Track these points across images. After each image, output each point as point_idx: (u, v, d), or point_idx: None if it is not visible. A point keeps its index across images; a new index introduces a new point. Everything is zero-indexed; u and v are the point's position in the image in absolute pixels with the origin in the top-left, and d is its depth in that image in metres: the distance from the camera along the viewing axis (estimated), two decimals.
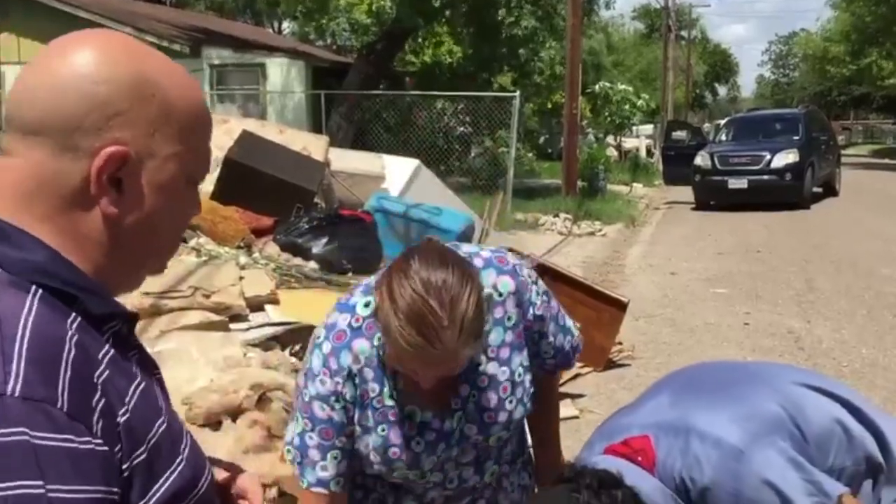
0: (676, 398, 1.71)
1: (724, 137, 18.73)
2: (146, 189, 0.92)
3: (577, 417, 4.58)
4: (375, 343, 1.59)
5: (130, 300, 3.23)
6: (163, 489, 0.89)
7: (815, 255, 10.14)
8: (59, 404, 0.80)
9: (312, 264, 5.33)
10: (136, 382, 0.92)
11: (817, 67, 46.04)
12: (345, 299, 1.67)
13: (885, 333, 6.42)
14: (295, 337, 4.28)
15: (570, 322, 1.82)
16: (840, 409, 1.75)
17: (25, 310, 0.83)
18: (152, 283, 3.86)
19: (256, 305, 4.36)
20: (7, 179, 0.89)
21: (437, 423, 1.66)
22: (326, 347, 1.61)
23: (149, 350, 1.06)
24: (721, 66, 67.60)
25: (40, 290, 0.86)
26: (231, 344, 3.88)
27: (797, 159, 15.88)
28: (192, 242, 5.15)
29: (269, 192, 6.36)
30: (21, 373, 0.79)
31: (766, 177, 15.92)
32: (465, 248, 1.68)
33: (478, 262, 1.65)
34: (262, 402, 3.15)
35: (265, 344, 4.11)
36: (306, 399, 1.64)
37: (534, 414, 1.78)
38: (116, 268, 0.94)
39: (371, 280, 1.66)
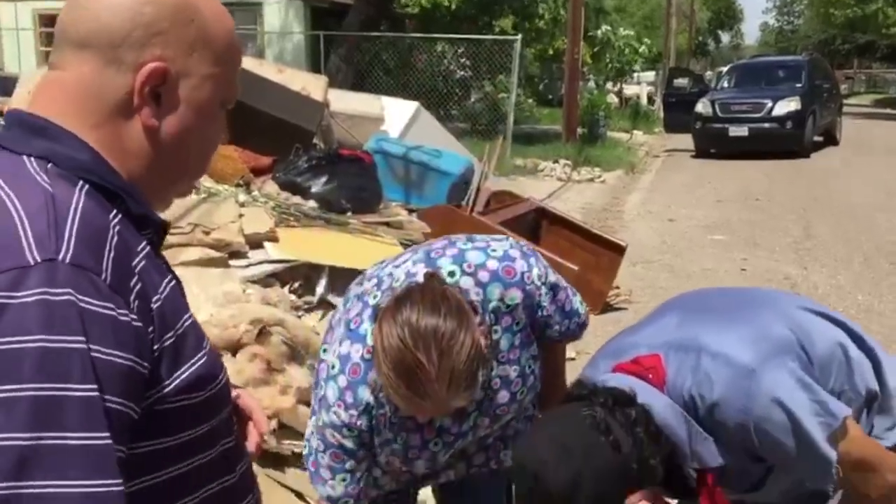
0: (684, 319, 1.71)
1: (725, 84, 18.56)
2: (183, 105, 1.00)
3: (573, 359, 4.60)
4: None
5: None
6: (186, 373, 0.97)
7: (814, 204, 10.14)
8: (103, 276, 0.88)
9: (311, 203, 5.31)
10: (167, 279, 1.01)
11: (822, 12, 45.37)
12: (354, 324, 1.64)
13: (881, 280, 6.46)
14: (294, 274, 4.29)
15: (576, 303, 1.81)
16: (842, 333, 1.77)
17: (75, 198, 0.92)
18: None
19: (256, 243, 4.37)
20: (58, 90, 0.98)
21: (456, 428, 1.70)
22: (342, 381, 1.61)
23: None
24: (725, 12, 66.59)
25: (87, 185, 0.94)
26: (230, 280, 3.89)
27: (799, 107, 15.75)
28: None
29: (268, 132, 6.30)
30: (72, 245, 0.87)
31: (767, 124, 15.80)
32: (470, 259, 1.63)
33: (483, 276, 1.62)
34: (262, 335, 3.17)
35: (264, 281, 4.13)
36: (319, 423, 1.65)
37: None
38: (151, 180, 1.02)
39: (378, 299, 1.63)
